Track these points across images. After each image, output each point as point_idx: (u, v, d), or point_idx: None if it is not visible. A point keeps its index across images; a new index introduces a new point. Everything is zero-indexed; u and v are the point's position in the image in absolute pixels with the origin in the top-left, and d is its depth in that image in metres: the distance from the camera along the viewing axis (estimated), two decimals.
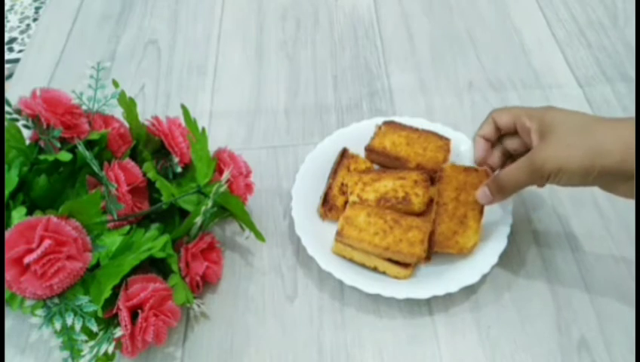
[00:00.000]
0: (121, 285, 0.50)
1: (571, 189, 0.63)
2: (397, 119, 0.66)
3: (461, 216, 0.56)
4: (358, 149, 0.65)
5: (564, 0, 0.86)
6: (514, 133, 0.55)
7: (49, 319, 0.48)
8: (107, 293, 0.48)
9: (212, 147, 0.59)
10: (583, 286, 0.56)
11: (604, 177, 0.47)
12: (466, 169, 0.59)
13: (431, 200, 0.61)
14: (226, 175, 0.55)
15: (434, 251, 0.56)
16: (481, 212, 0.56)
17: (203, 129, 0.57)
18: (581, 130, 0.49)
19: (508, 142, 0.57)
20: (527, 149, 0.53)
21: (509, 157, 0.58)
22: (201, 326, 0.56)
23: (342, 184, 0.62)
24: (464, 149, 0.64)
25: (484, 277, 0.55)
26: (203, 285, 0.57)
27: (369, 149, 0.64)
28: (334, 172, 0.63)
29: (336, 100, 0.76)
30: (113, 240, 0.52)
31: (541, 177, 0.49)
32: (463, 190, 0.57)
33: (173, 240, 0.54)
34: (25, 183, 0.54)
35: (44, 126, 0.53)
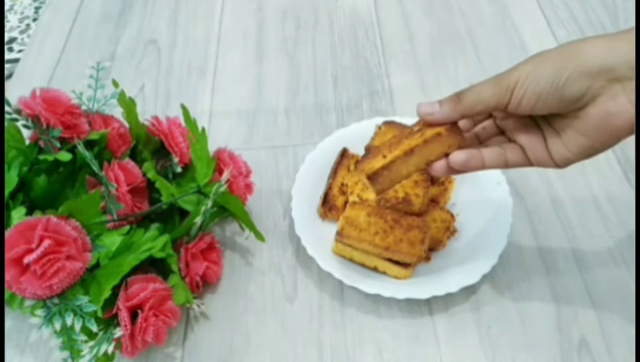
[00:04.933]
0: (121, 285, 0.50)
1: (572, 189, 0.63)
2: (397, 119, 0.66)
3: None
4: (358, 149, 0.65)
5: (564, 0, 0.86)
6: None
7: (49, 319, 0.48)
8: (107, 293, 0.48)
9: (212, 147, 0.59)
10: (583, 287, 0.56)
11: (580, 80, 0.40)
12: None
13: (431, 200, 0.61)
14: (225, 175, 0.55)
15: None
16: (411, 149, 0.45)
17: (203, 129, 0.57)
18: (559, 45, 0.43)
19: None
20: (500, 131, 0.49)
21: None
22: (201, 326, 0.56)
23: (342, 184, 0.62)
24: None
25: (484, 277, 0.55)
26: (203, 285, 0.57)
27: (369, 149, 0.64)
28: (334, 172, 0.63)
29: (336, 100, 0.76)
30: (113, 240, 0.52)
31: (506, 90, 0.43)
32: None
33: (173, 240, 0.54)
34: (24, 183, 0.54)
35: (44, 126, 0.53)
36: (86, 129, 0.56)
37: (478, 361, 0.52)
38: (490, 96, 0.44)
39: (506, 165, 0.47)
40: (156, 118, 0.60)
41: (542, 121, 0.46)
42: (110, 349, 0.49)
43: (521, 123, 0.47)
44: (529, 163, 0.47)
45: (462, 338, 0.54)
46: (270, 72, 0.81)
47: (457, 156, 0.46)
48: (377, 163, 0.46)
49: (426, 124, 0.46)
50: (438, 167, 0.47)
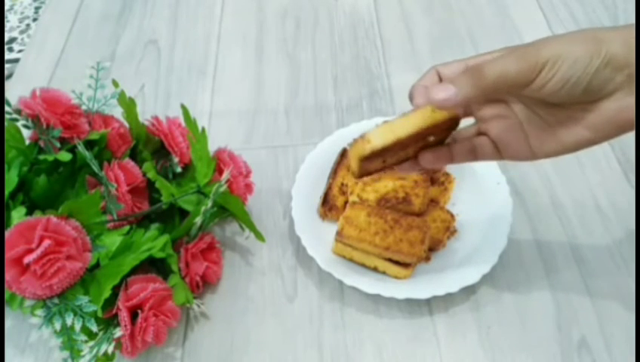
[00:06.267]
0: (121, 285, 0.50)
1: (572, 189, 0.63)
2: None
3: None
4: None
5: (564, 0, 0.86)
6: None
7: (49, 319, 0.48)
8: (107, 293, 0.48)
9: (212, 147, 0.59)
10: (583, 286, 0.56)
11: (607, 70, 0.39)
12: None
13: (431, 200, 0.61)
14: (225, 175, 0.55)
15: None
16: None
17: (203, 129, 0.57)
18: (576, 31, 0.41)
19: None
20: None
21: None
22: (201, 326, 0.56)
23: (342, 184, 0.62)
24: None
25: (484, 277, 0.54)
26: (203, 285, 0.57)
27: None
28: (334, 172, 0.63)
29: (336, 100, 0.76)
30: (113, 240, 0.52)
31: (535, 65, 0.39)
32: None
33: (173, 240, 0.54)
34: (24, 183, 0.54)
35: (44, 126, 0.53)
36: (86, 129, 0.56)
37: (478, 361, 0.52)
38: (517, 73, 0.39)
39: (475, 160, 0.47)
40: (156, 118, 0.60)
41: (529, 115, 0.44)
42: (110, 349, 0.49)
43: (498, 117, 0.45)
44: (499, 157, 0.47)
45: (462, 338, 0.54)
46: (270, 72, 0.81)
47: (425, 157, 0.46)
48: (374, 166, 0.46)
49: (440, 108, 0.41)
50: (408, 167, 0.47)
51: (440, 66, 0.46)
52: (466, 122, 0.48)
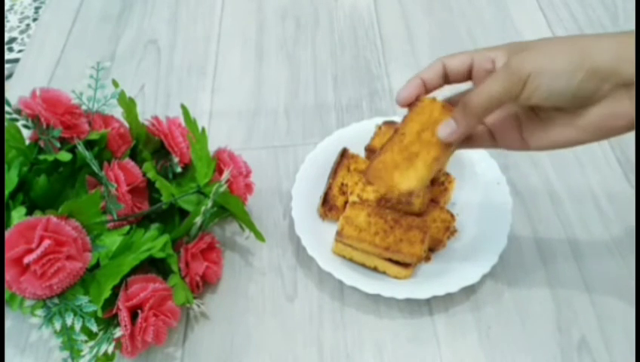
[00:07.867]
0: (121, 285, 0.50)
1: (572, 189, 0.63)
2: (397, 119, 0.66)
3: (412, 153, 0.48)
4: (358, 149, 0.65)
5: (564, 0, 0.86)
6: (463, 80, 0.49)
7: (49, 319, 0.48)
8: (107, 293, 0.48)
9: (212, 147, 0.59)
10: (583, 286, 0.56)
11: (592, 81, 0.40)
12: (445, 107, 0.48)
13: (431, 200, 0.61)
14: (225, 175, 0.55)
15: (367, 179, 0.49)
16: (436, 159, 0.47)
17: (203, 129, 0.57)
18: (565, 38, 0.43)
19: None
20: None
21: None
22: (201, 326, 0.56)
23: (342, 184, 0.62)
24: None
25: (484, 277, 0.55)
26: (203, 285, 0.57)
27: (369, 149, 0.64)
28: (334, 172, 0.63)
29: (336, 100, 0.76)
30: (113, 240, 0.52)
31: (518, 82, 0.41)
32: (429, 128, 0.48)
33: (173, 240, 0.54)
34: (25, 183, 0.54)
35: (44, 126, 0.53)
36: (86, 129, 0.56)
37: (478, 361, 0.52)
38: (503, 93, 0.42)
39: (471, 147, 0.49)
40: (156, 118, 0.60)
41: (525, 109, 0.46)
42: (110, 349, 0.49)
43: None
44: (495, 145, 0.48)
45: (462, 338, 0.54)
46: (270, 72, 0.81)
47: None
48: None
49: (448, 142, 0.47)
50: None
51: (446, 58, 0.48)
52: None
